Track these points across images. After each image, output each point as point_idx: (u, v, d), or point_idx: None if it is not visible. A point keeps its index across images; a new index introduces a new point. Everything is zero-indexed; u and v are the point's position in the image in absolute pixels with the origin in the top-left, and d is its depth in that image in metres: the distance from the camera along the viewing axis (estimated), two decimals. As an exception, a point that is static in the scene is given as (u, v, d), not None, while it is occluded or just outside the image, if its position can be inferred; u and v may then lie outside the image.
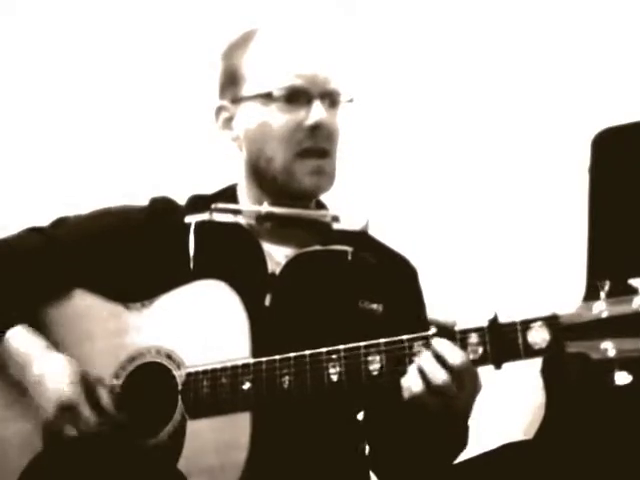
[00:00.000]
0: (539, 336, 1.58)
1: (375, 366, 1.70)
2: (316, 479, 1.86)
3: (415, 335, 1.70)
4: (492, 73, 2.81)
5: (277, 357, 1.77)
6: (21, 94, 3.07)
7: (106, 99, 3.05)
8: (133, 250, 1.99)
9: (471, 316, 1.67)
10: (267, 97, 1.95)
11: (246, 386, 1.77)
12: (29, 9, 3.04)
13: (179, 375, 1.84)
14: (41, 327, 1.98)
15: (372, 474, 1.98)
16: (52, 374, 1.88)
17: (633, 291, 1.52)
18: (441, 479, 1.87)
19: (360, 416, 1.98)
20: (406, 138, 2.86)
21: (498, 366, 1.63)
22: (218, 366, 1.80)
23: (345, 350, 1.73)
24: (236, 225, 1.99)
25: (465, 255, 2.76)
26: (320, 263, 1.98)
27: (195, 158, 2.94)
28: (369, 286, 1.98)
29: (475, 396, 1.71)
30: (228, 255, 1.96)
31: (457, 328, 1.66)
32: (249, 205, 2.02)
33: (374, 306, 1.96)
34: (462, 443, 1.87)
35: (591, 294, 1.57)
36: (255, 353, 1.80)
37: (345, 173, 2.06)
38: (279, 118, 1.94)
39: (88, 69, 3.06)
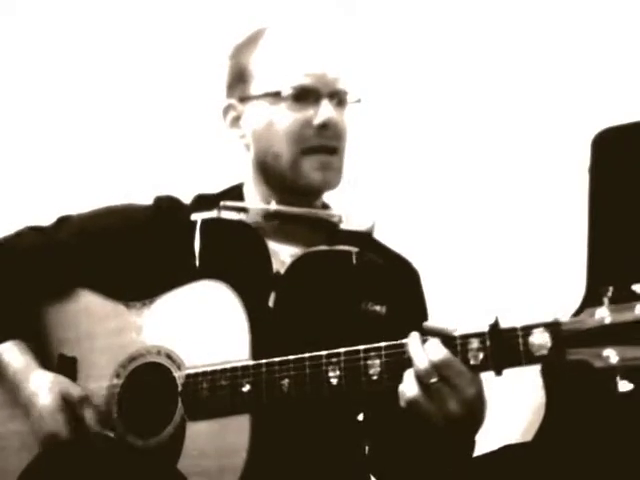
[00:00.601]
0: (540, 342, 1.56)
1: (375, 370, 1.69)
2: (315, 482, 1.86)
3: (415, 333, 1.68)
4: (493, 73, 2.80)
5: (277, 360, 1.76)
6: (22, 93, 3.07)
7: (110, 98, 3.05)
8: (136, 248, 1.99)
9: (472, 320, 1.66)
10: (276, 96, 1.96)
11: (246, 388, 1.77)
12: (29, 9, 3.04)
13: (179, 376, 1.84)
14: (43, 326, 1.99)
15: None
16: (38, 400, 1.89)
17: (636, 297, 1.50)
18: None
19: (360, 418, 1.98)
20: (405, 139, 2.86)
21: (499, 372, 1.61)
22: (218, 368, 1.80)
23: (345, 354, 1.72)
24: (242, 223, 1.99)
25: (466, 258, 2.76)
26: (325, 263, 1.98)
27: (201, 157, 2.94)
28: (373, 288, 1.98)
29: (476, 408, 1.67)
30: (233, 253, 1.97)
31: (458, 333, 1.64)
32: (257, 203, 2.02)
33: (377, 308, 1.97)
34: (464, 456, 1.85)
35: (593, 298, 1.55)
36: (255, 354, 1.80)
37: (351, 175, 2.06)
38: (287, 116, 1.95)
39: (91, 68, 3.06)
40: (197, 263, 1.95)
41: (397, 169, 2.86)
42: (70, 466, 1.88)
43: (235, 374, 1.79)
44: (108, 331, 1.95)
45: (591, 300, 1.56)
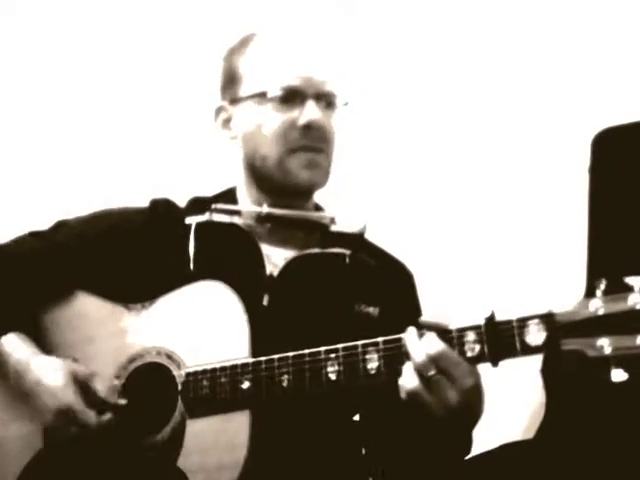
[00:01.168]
0: (535, 334, 1.59)
1: (373, 364, 1.71)
2: (315, 478, 1.87)
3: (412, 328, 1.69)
4: (492, 73, 2.81)
5: (276, 356, 1.77)
6: (21, 95, 3.07)
7: (106, 101, 3.05)
8: (133, 251, 2.01)
9: (468, 314, 1.67)
10: (262, 97, 1.98)
11: (245, 385, 1.78)
12: (29, 9, 3.05)
13: (179, 375, 1.85)
14: (42, 329, 2.00)
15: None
16: (45, 379, 1.90)
17: (629, 289, 1.53)
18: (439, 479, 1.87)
19: (356, 418, 1.99)
20: (405, 138, 2.87)
21: (495, 364, 1.63)
22: (217, 366, 1.81)
23: (343, 349, 1.73)
24: (235, 227, 2.01)
25: (463, 254, 2.76)
26: (318, 266, 2.00)
27: (195, 161, 2.94)
28: (366, 289, 2.00)
29: (474, 399, 1.69)
30: (227, 256, 1.98)
31: (454, 326, 1.66)
32: (249, 206, 2.04)
33: (370, 309, 1.99)
34: (463, 451, 1.89)
35: (589, 293, 1.57)
36: (254, 353, 1.81)
37: (343, 176, 2.07)
38: (274, 117, 1.97)
39: (88, 71, 3.06)
40: (192, 266, 1.96)
41: (392, 167, 2.87)
42: (71, 464, 1.89)
43: (235, 371, 1.80)
44: (108, 333, 1.96)
45: (587, 294, 1.59)
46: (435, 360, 1.64)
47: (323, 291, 1.97)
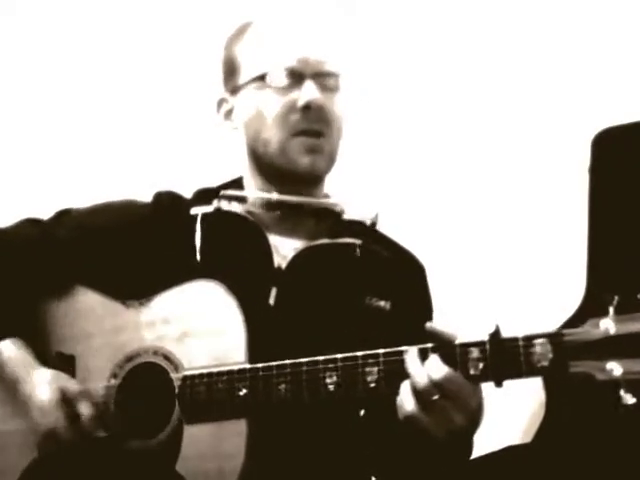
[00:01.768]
0: (542, 354, 1.53)
1: (372, 377, 1.66)
2: (312, 487, 1.86)
3: (413, 349, 1.65)
4: (492, 73, 2.80)
5: (274, 364, 1.74)
6: (22, 93, 3.07)
7: (109, 95, 3.05)
8: (136, 245, 1.98)
9: (473, 324, 1.63)
10: (261, 80, 1.96)
11: (242, 392, 1.76)
12: (29, 9, 3.05)
13: (176, 378, 1.83)
14: (41, 322, 1.98)
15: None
16: (37, 395, 1.88)
17: None
18: (442, 480, 1.86)
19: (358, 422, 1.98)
20: (405, 139, 2.86)
21: (499, 384, 1.58)
22: (214, 370, 1.79)
23: (342, 360, 1.69)
24: (242, 217, 1.98)
25: (464, 259, 2.75)
26: (327, 257, 1.96)
27: (201, 153, 2.94)
28: (377, 282, 1.96)
29: (477, 415, 1.66)
30: (234, 248, 1.95)
31: (458, 341, 1.61)
32: (258, 192, 2.01)
33: (382, 303, 1.94)
34: (464, 457, 1.86)
35: (596, 306, 1.51)
36: (252, 356, 1.78)
37: (355, 167, 2.05)
38: (273, 101, 1.95)
39: (91, 64, 3.06)
40: (198, 258, 1.94)
41: (395, 171, 2.86)
42: (67, 468, 1.87)
43: (232, 377, 1.77)
44: (106, 330, 1.94)
45: (593, 306, 1.52)
46: (438, 384, 1.59)
47: (333, 283, 1.93)
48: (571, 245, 2.53)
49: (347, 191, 2.09)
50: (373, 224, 1.99)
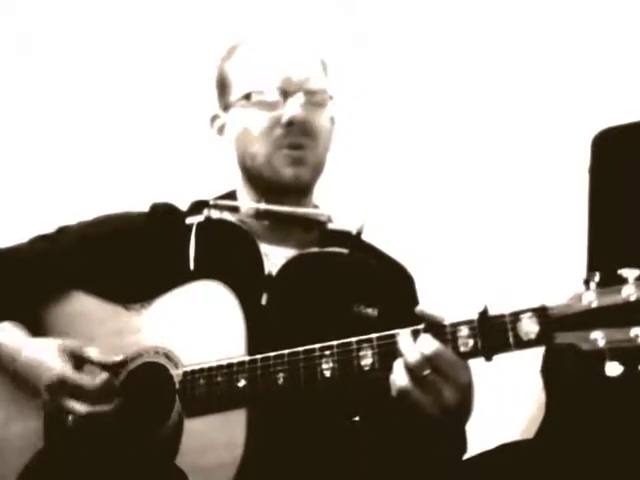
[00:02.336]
0: (528, 327, 1.58)
1: (367, 361, 1.71)
2: (312, 476, 1.86)
3: (405, 330, 1.70)
4: (492, 73, 2.81)
5: (272, 354, 1.77)
6: (21, 99, 3.07)
7: (106, 104, 3.06)
8: (134, 253, 2.03)
9: (462, 310, 1.67)
10: (247, 98, 2.02)
11: (241, 383, 1.79)
12: (29, 9, 3.05)
13: (176, 374, 1.85)
14: (41, 328, 2.01)
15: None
16: (37, 357, 1.91)
17: (623, 281, 1.52)
18: (439, 479, 1.86)
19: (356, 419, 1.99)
20: (405, 136, 2.87)
21: (489, 358, 1.63)
22: (214, 364, 1.81)
23: (338, 346, 1.74)
24: (234, 225, 2.04)
25: (459, 251, 2.76)
26: (317, 265, 2.01)
27: (197, 166, 2.94)
28: (365, 290, 2.01)
29: (468, 394, 1.70)
30: (226, 256, 1.99)
31: (448, 321, 1.66)
32: (246, 202, 2.06)
33: (369, 310, 1.99)
34: (460, 448, 1.89)
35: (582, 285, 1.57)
36: (251, 352, 1.81)
37: (340, 175, 2.07)
38: (259, 117, 2.01)
39: (89, 75, 3.07)
40: (191, 266, 1.97)
41: (393, 159, 2.87)
42: (69, 463, 1.89)
43: (231, 370, 1.80)
44: (107, 333, 1.96)
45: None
46: (430, 359, 1.64)
47: (322, 291, 1.98)
48: (571, 245, 2.53)
49: (335, 200, 2.13)
50: (359, 233, 2.02)
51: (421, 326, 1.68)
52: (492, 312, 1.63)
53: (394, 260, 2.13)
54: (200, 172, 2.90)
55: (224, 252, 2.00)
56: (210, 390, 1.81)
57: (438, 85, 2.85)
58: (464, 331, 1.64)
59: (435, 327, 1.66)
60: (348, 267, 2.01)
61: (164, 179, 2.95)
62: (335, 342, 1.74)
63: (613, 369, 1.51)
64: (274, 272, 1.99)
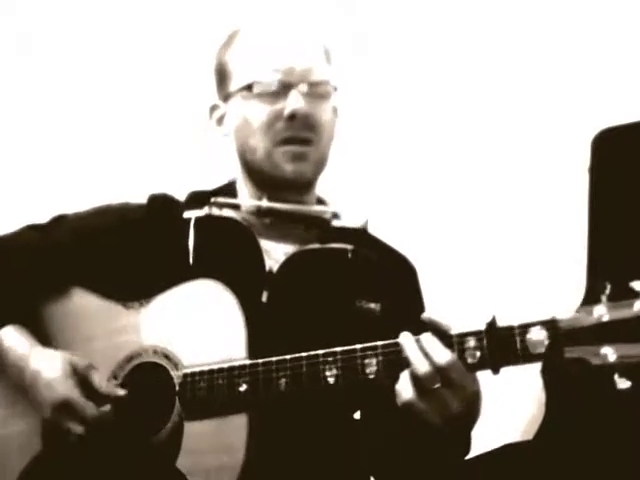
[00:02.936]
0: (538, 340, 1.56)
1: (371, 369, 1.69)
2: (313, 481, 1.86)
3: (409, 337, 1.67)
4: (492, 73, 2.80)
5: (274, 359, 1.76)
6: (20, 94, 3.07)
7: (105, 98, 3.05)
8: (132, 247, 2.00)
9: (470, 319, 1.65)
10: (248, 90, 1.98)
11: (243, 388, 1.77)
12: (29, 9, 3.05)
13: (176, 376, 1.84)
14: (38, 326, 1.99)
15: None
16: (44, 372, 1.89)
17: (634, 295, 1.49)
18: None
19: (357, 417, 1.98)
20: (404, 138, 2.86)
21: (496, 371, 1.60)
22: (215, 367, 1.80)
23: (342, 352, 1.71)
24: (234, 221, 2.01)
25: (464, 257, 2.75)
26: (318, 261, 1.98)
27: (194, 156, 2.94)
28: (367, 285, 1.98)
29: (475, 405, 1.68)
30: (226, 252, 1.97)
31: (455, 332, 1.63)
32: (248, 200, 2.03)
33: (372, 305, 1.97)
34: (462, 453, 1.86)
35: (591, 297, 1.54)
36: (252, 352, 1.80)
37: (345, 171, 2.06)
38: (260, 110, 1.97)
39: (87, 68, 3.06)
40: (191, 261, 1.96)
41: (394, 165, 2.86)
42: (69, 465, 1.88)
43: (232, 373, 1.78)
44: (106, 332, 1.95)
45: (590, 298, 1.55)
46: (442, 371, 1.61)
47: (324, 287, 1.96)
48: (571, 245, 2.53)
49: (338, 195, 2.11)
50: (364, 228, 2.00)
51: (425, 335, 1.65)
52: (500, 322, 1.60)
53: (398, 253, 2.09)
54: (197, 162, 2.90)
55: (224, 248, 1.98)
56: (211, 393, 1.80)
57: (438, 85, 2.84)
58: (471, 342, 1.61)
59: (441, 336, 1.64)
60: (350, 263, 1.99)
61: (161, 169, 2.95)
62: (339, 349, 1.72)
63: (622, 385, 1.49)
64: (275, 269, 1.97)
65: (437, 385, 1.61)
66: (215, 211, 2.01)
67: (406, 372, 1.64)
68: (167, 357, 1.87)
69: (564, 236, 2.64)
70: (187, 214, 2.00)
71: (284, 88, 1.96)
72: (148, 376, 1.88)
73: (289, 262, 1.97)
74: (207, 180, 2.15)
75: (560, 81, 2.72)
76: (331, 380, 1.71)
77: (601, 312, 1.52)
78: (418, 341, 1.65)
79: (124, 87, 3.05)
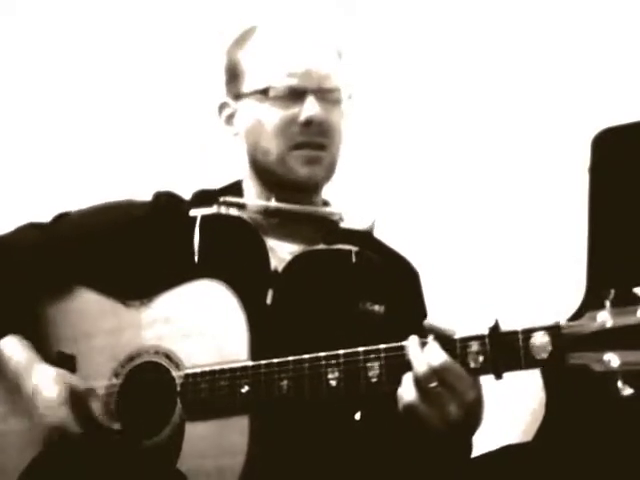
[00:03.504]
0: (541, 346, 1.56)
1: (374, 372, 1.69)
2: (315, 483, 1.86)
3: (414, 339, 1.67)
4: (492, 73, 2.80)
5: (275, 360, 1.76)
6: (22, 93, 3.07)
7: (109, 96, 3.04)
8: (135, 245, 2.00)
9: (472, 322, 1.64)
10: (263, 94, 1.97)
11: (244, 389, 1.77)
12: (29, 9, 3.04)
13: (178, 376, 1.84)
14: (41, 323, 1.99)
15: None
16: (43, 391, 1.89)
17: (638, 301, 1.49)
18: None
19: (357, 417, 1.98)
20: (406, 139, 2.86)
21: (499, 376, 1.60)
22: (216, 368, 1.80)
23: (344, 355, 1.71)
24: (240, 220, 2.00)
25: (465, 259, 2.75)
26: (323, 262, 1.98)
27: (201, 154, 2.94)
28: (371, 287, 1.98)
29: (475, 411, 1.67)
30: (232, 250, 1.97)
31: (458, 336, 1.63)
32: (256, 200, 2.03)
33: (375, 307, 1.97)
34: (462, 459, 1.86)
35: (594, 301, 1.54)
36: (254, 354, 1.79)
37: (352, 174, 2.06)
38: (274, 114, 1.97)
39: (90, 65, 3.05)
40: (196, 259, 1.95)
41: (396, 170, 2.86)
42: (69, 466, 1.88)
43: (234, 375, 1.78)
44: (107, 330, 1.95)
45: (591, 302, 1.55)
46: (437, 372, 1.61)
47: (328, 288, 1.96)
48: (571, 244, 2.53)
49: (345, 197, 2.11)
50: (370, 231, 2.01)
51: (429, 338, 1.65)
52: (503, 325, 1.60)
53: (401, 256, 2.10)
54: (204, 159, 2.90)
55: (229, 246, 1.97)
56: (212, 394, 1.79)
57: (439, 85, 2.84)
58: (474, 347, 1.61)
59: (444, 341, 1.64)
60: (354, 264, 1.99)
61: (166, 166, 2.95)
62: (342, 351, 1.71)
63: (625, 392, 1.49)
64: (280, 268, 1.97)
65: (434, 384, 1.61)
66: (222, 210, 2.01)
67: (409, 374, 1.65)
68: (168, 357, 1.86)
69: (564, 236, 2.64)
70: (193, 212, 2.00)
71: (299, 93, 1.96)
72: (149, 376, 1.88)
73: (294, 262, 1.98)
74: (211, 179, 2.14)
75: (560, 81, 2.72)
76: (333, 383, 1.71)
77: (604, 318, 1.51)
78: (423, 345, 1.65)
79: (128, 86, 3.04)
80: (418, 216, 2.80)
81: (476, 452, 1.89)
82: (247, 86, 2.01)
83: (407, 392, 1.64)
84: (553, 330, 1.55)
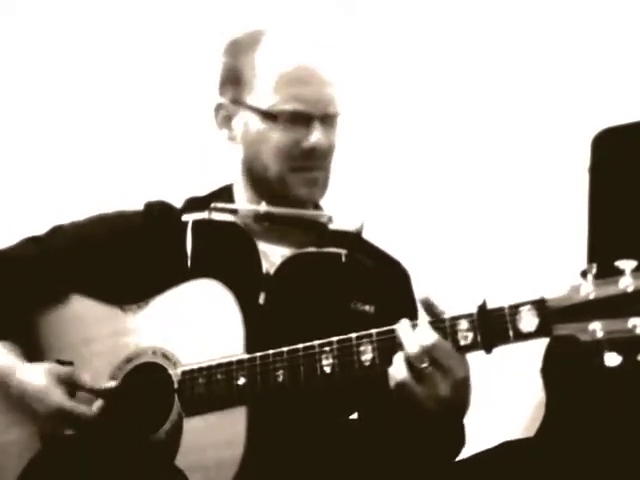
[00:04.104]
0: (528, 320, 1.60)
1: (367, 356, 1.71)
2: (312, 474, 1.86)
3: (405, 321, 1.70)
4: (492, 73, 2.81)
5: (271, 352, 1.77)
6: (21, 93, 3.07)
7: (105, 102, 3.06)
8: (129, 252, 2.02)
9: (462, 304, 1.68)
10: (269, 116, 1.98)
11: (241, 381, 1.78)
12: (29, 9, 3.05)
13: (175, 374, 1.85)
14: (38, 332, 2.00)
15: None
16: (29, 386, 1.90)
17: (619, 272, 1.54)
18: (439, 478, 1.86)
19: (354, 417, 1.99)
20: (405, 136, 2.87)
21: (488, 351, 1.63)
22: (213, 363, 1.81)
23: (337, 342, 1.74)
24: (232, 224, 2.02)
25: (464, 259, 2.76)
26: (314, 264, 2.01)
27: (191, 163, 2.94)
28: (362, 288, 2.01)
29: (464, 390, 1.70)
30: (224, 254, 1.99)
31: (447, 315, 1.67)
32: (247, 205, 2.04)
33: (366, 307, 2.00)
34: (458, 442, 1.89)
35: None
36: (250, 350, 1.80)
37: (340, 175, 2.07)
38: (278, 135, 1.98)
39: (86, 72, 3.07)
40: (189, 264, 1.97)
41: (389, 165, 2.87)
42: (68, 463, 1.89)
43: (230, 368, 1.80)
44: (104, 335, 1.96)
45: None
46: (428, 351, 1.64)
47: (319, 290, 1.98)
48: (571, 244, 2.53)
49: (334, 200, 2.12)
50: (358, 233, 2.02)
51: (420, 320, 1.68)
52: (491, 305, 1.64)
53: (391, 257, 2.13)
54: (193, 166, 2.90)
55: (221, 250, 1.99)
56: (209, 389, 1.81)
57: (438, 85, 2.85)
58: (463, 325, 1.65)
59: (435, 320, 1.67)
60: (345, 266, 2.01)
61: (156, 176, 2.95)
62: (335, 338, 1.74)
63: (612, 360, 1.52)
64: (272, 271, 1.99)
65: (425, 364, 1.65)
66: (215, 216, 2.02)
67: (400, 354, 1.67)
68: (166, 357, 1.88)
69: (564, 236, 2.64)
70: (185, 217, 2.02)
71: (305, 117, 1.97)
72: (147, 376, 1.89)
73: (285, 265, 2.00)
74: (202, 186, 2.15)
75: (560, 81, 2.74)
76: (327, 369, 1.73)
77: (588, 290, 1.56)
78: (414, 326, 1.68)
79: (128, 86, 3.06)
80: (409, 204, 2.81)
81: (477, 449, 1.89)
82: (251, 99, 2.01)
83: (398, 371, 1.67)
84: (539, 304, 1.60)
